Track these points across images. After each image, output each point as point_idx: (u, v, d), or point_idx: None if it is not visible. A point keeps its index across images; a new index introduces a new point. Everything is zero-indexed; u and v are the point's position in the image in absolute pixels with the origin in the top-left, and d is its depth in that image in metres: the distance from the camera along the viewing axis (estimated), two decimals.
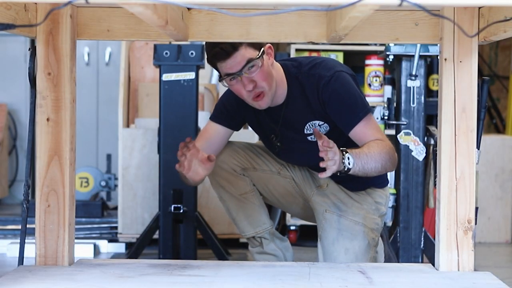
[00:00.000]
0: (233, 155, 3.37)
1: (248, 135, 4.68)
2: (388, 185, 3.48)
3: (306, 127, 3.26)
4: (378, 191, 3.41)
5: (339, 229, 3.31)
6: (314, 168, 3.41)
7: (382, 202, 3.40)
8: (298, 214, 3.61)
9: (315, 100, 3.18)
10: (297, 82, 3.21)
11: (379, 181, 3.39)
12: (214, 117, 3.37)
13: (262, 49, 3.08)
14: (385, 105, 3.91)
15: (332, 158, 2.84)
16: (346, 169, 2.93)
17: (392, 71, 5.01)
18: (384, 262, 3.51)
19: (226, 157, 3.36)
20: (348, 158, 2.92)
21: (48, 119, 2.70)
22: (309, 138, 3.27)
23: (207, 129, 3.36)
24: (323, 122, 3.23)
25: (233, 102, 3.31)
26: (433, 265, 2.84)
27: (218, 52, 3.04)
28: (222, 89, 5.04)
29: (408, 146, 3.85)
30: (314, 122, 3.23)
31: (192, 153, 3.02)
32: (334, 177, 3.39)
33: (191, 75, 4.27)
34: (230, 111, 3.33)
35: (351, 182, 3.31)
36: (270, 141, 3.38)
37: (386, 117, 3.88)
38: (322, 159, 3.25)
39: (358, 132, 3.13)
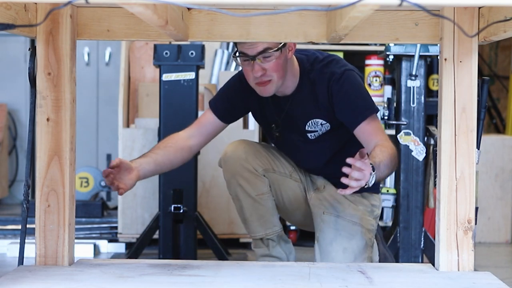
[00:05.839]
0: (257, 155, 3.34)
1: (248, 133, 4.68)
2: (381, 190, 3.50)
3: (308, 123, 3.26)
4: (373, 195, 3.42)
5: (336, 229, 3.31)
6: (304, 169, 3.43)
7: (376, 204, 3.42)
8: (299, 221, 3.58)
9: (324, 96, 3.20)
10: (309, 78, 3.23)
11: (374, 187, 3.37)
12: (213, 104, 3.37)
13: (286, 43, 3.09)
14: (385, 105, 3.91)
15: (357, 179, 2.69)
16: (366, 186, 2.77)
17: (392, 71, 5.01)
18: (380, 261, 3.51)
19: (250, 156, 3.33)
20: (373, 177, 2.77)
21: (48, 119, 2.70)
22: (309, 135, 3.27)
23: (204, 115, 3.37)
24: (325, 122, 3.24)
25: (239, 87, 3.32)
26: (433, 265, 2.84)
27: None
28: None
29: (408, 146, 3.85)
30: (317, 120, 3.24)
31: (116, 171, 3.00)
32: (330, 179, 3.40)
33: (191, 75, 4.27)
34: (232, 97, 3.34)
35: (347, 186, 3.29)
36: (270, 130, 3.38)
37: (386, 117, 3.87)
38: (314, 163, 3.25)
39: (363, 130, 3.13)
